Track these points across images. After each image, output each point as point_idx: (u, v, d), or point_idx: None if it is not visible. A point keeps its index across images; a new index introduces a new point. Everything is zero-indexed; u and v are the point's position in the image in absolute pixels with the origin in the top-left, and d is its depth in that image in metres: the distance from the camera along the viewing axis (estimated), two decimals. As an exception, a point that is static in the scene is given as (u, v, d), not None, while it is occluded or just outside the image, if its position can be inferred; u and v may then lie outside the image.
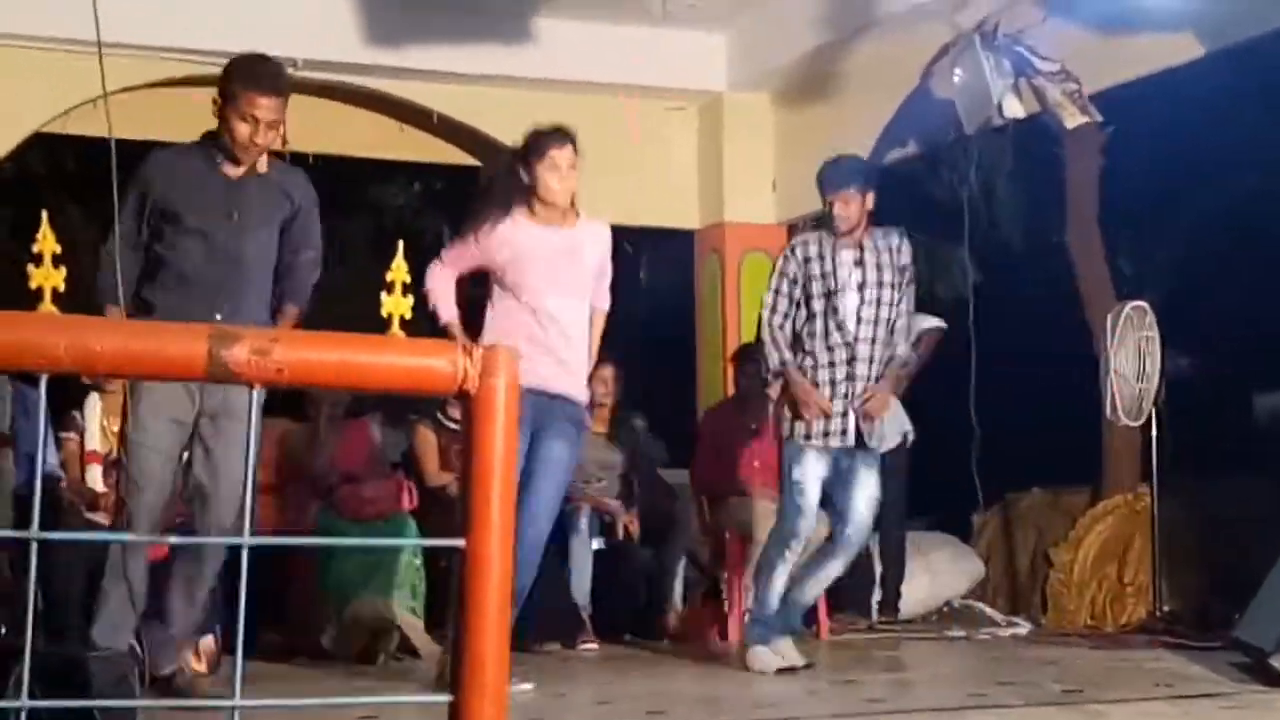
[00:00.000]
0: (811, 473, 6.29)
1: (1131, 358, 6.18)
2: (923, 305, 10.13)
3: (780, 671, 6.16)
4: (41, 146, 9.69)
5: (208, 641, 6.34)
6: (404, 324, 1.53)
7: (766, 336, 6.43)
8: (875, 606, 8.58)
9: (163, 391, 4.91)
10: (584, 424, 6.05)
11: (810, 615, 8.28)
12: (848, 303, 6.30)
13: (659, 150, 9.51)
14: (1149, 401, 6.38)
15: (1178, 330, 6.72)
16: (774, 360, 6.42)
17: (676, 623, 7.81)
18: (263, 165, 5.24)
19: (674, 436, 9.46)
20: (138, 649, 5.87)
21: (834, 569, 6.42)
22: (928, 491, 9.09)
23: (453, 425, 7.60)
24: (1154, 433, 7.62)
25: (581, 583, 7.82)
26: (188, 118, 8.75)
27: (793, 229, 10.08)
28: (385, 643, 6.85)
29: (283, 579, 7.25)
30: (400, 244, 2.08)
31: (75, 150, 11.08)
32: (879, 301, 6.34)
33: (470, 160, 9.54)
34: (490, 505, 1.85)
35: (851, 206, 6.35)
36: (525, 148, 5.87)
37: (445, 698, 1.83)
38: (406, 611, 6.90)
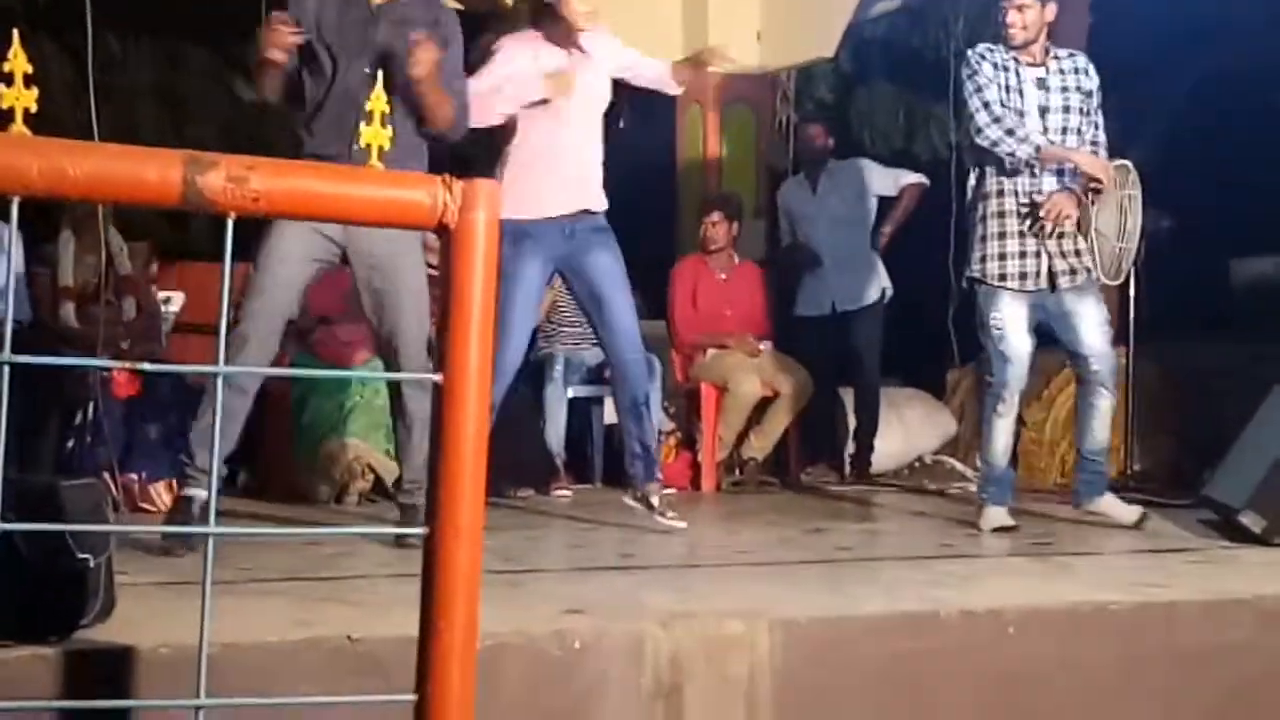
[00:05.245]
0: (1012, 317, 5.86)
1: (1113, 216, 6.14)
2: (902, 161, 10.09)
3: (998, 530, 5.82)
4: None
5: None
6: (383, 156, 1.49)
7: (999, 132, 5.71)
8: (848, 460, 8.65)
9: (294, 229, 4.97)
10: (609, 229, 5.96)
11: (782, 465, 8.37)
12: (1030, 128, 5.79)
13: (643, -2, 9.36)
14: (1128, 261, 6.35)
15: (1160, 191, 6.67)
16: (1026, 149, 5.72)
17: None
18: None
19: (654, 289, 9.42)
20: (111, 483, 5.90)
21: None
22: (903, 348, 9.09)
23: (433, 271, 7.55)
24: (1131, 293, 7.63)
25: (556, 430, 7.85)
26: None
27: (776, 80, 9.98)
28: (359, 483, 6.87)
29: (256, 418, 7.23)
30: (380, 74, 2.04)
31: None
32: (1064, 129, 5.84)
33: None
34: (468, 341, 1.83)
35: (1028, 14, 5.77)
36: None
37: (420, 531, 1.83)
38: (382, 454, 6.90)
